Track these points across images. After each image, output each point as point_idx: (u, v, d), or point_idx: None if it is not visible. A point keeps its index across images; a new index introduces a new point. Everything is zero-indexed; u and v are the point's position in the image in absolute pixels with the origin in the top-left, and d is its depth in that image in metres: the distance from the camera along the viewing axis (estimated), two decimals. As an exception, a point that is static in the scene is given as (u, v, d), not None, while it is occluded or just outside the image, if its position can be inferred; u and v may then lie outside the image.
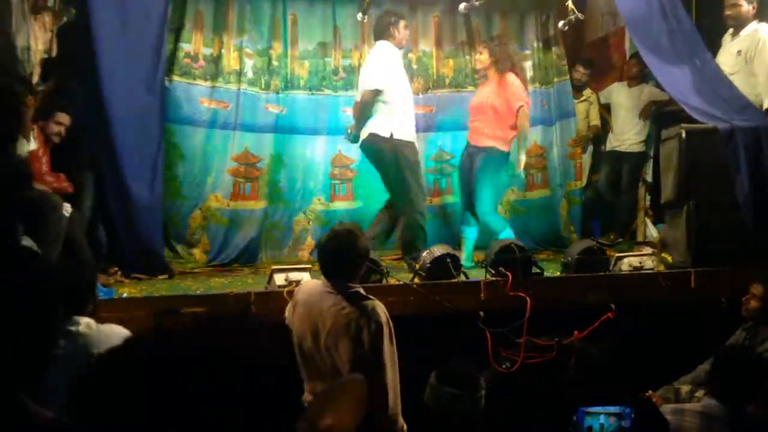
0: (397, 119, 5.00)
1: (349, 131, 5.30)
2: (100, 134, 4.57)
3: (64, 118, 4.58)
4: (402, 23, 5.13)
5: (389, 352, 3.15)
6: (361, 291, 3.25)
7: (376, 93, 4.97)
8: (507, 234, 5.22)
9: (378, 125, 5.02)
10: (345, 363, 3.13)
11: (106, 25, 4.49)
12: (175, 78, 5.57)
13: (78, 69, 4.90)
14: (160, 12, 4.75)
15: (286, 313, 3.40)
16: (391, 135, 4.96)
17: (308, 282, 3.52)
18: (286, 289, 3.81)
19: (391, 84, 5.00)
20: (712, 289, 4.48)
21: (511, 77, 5.29)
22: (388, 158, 5.03)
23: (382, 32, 5.16)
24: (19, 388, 1.33)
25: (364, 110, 5.04)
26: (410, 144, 5.08)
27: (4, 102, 3.87)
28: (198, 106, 5.66)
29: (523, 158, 5.27)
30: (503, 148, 5.29)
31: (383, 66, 5.02)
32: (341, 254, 3.27)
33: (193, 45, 5.68)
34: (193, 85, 5.66)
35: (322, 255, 3.37)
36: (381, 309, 3.18)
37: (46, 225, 4.12)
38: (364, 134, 5.12)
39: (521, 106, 5.22)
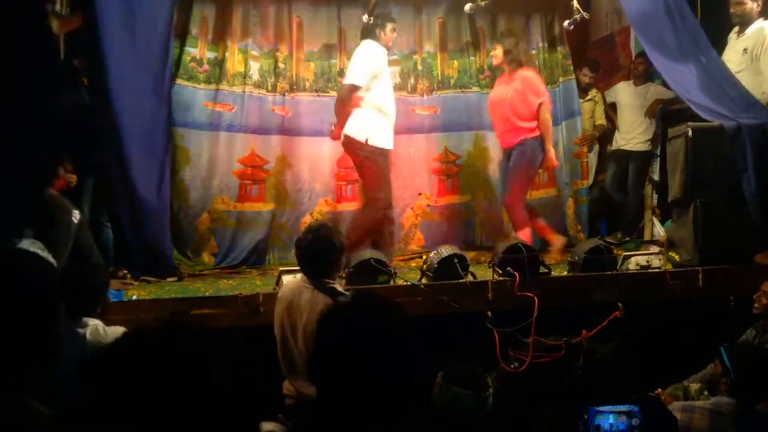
0: (374, 124, 4.92)
1: (332, 128, 5.21)
2: (107, 139, 4.59)
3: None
4: (389, 26, 5.11)
5: None
6: (337, 287, 3.33)
7: (354, 89, 4.91)
8: (525, 233, 5.22)
9: (355, 128, 4.95)
10: None
11: (113, 30, 4.51)
12: (182, 82, 5.62)
13: (84, 74, 4.95)
14: (166, 18, 4.76)
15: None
16: (367, 141, 4.89)
17: (293, 279, 3.58)
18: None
19: (372, 84, 4.93)
20: (720, 288, 4.47)
21: (527, 72, 5.30)
22: (359, 162, 5.02)
23: (368, 32, 5.17)
24: (23, 388, 1.34)
25: (341, 106, 4.99)
26: (385, 152, 4.97)
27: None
28: (204, 109, 5.69)
29: (552, 152, 5.28)
30: (536, 135, 5.28)
31: (365, 63, 4.97)
32: (316, 251, 3.33)
33: (198, 49, 5.72)
34: (200, 89, 5.70)
35: (298, 251, 3.43)
36: None
37: (56, 228, 4.16)
38: (342, 134, 5.06)
39: (541, 103, 5.22)
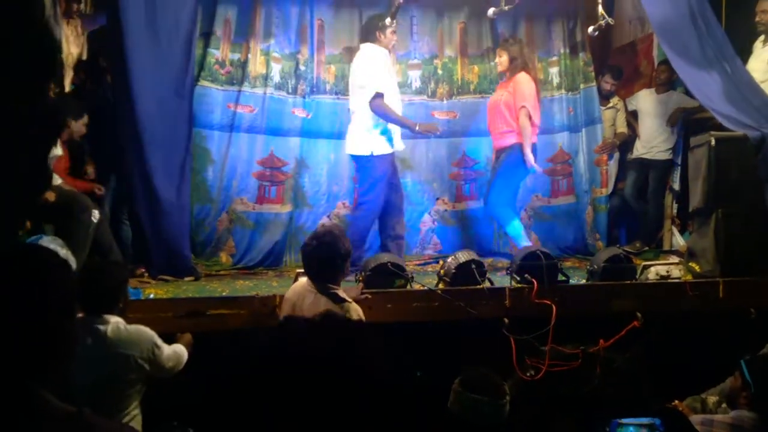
0: (375, 132, 5.06)
1: (418, 129, 5.19)
2: (128, 138, 4.62)
3: (86, 118, 4.70)
4: (389, 29, 5.14)
5: None
6: (340, 293, 3.34)
7: (381, 95, 5.01)
8: (513, 231, 5.28)
9: (357, 145, 5.14)
10: None
11: (136, 30, 4.54)
12: (206, 84, 5.66)
13: (108, 72, 4.99)
14: (189, 18, 4.79)
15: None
16: (372, 153, 5.06)
17: (299, 281, 3.59)
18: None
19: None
20: (741, 299, 4.42)
21: (522, 75, 5.30)
22: (367, 171, 5.16)
23: (368, 34, 5.19)
24: (41, 384, 1.35)
25: (389, 111, 5.05)
26: (387, 157, 5.14)
27: (48, 116, 3.91)
28: (226, 110, 5.72)
29: (530, 157, 5.23)
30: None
31: (378, 68, 5.07)
32: (321, 256, 3.34)
33: (221, 51, 5.74)
34: (222, 90, 5.73)
35: (303, 256, 3.45)
36: (355, 311, 3.29)
37: (76, 226, 4.19)
38: (347, 147, 5.28)
39: (523, 107, 5.21)
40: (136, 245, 4.96)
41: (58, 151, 4.38)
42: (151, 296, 4.19)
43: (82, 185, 4.76)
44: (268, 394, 1.33)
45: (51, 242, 3.67)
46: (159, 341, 2.99)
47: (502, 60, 5.41)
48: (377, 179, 5.11)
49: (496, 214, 5.48)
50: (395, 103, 5.19)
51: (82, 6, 5.11)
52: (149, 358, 2.93)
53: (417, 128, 5.14)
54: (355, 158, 5.28)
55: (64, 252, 3.53)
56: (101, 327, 2.86)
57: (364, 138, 5.11)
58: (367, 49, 5.15)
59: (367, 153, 5.10)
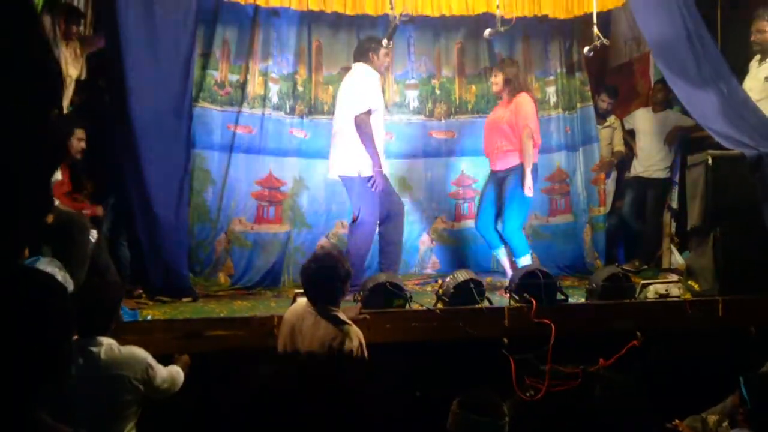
0: (359, 154, 5.01)
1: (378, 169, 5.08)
2: (126, 158, 4.63)
3: (83, 133, 4.70)
4: (382, 50, 5.16)
5: None
6: (340, 315, 3.33)
7: (370, 113, 4.98)
8: (526, 259, 5.19)
9: (343, 166, 5.11)
10: None
11: (135, 51, 4.56)
12: (206, 105, 5.69)
13: (107, 92, 5.01)
14: (188, 39, 4.82)
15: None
16: (359, 174, 5.03)
17: (299, 302, 3.58)
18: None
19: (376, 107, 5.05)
20: (740, 318, 4.40)
21: (524, 97, 5.29)
22: (356, 192, 5.13)
23: (361, 55, 5.20)
24: (36, 405, 1.35)
25: (370, 137, 4.98)
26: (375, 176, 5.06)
27: (52, 141, 3.91)
28: (226, 131, 5.74)
29: (529, 180, 5.16)
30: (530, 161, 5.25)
31: (370, 86, 5.06)
32: (321, 278, 3.34)
33: (220, 72, 5.78)
34: (221, 111, 5.76)
35: (303, 279, 3.44)
36: (355, 334, 3.28)
37: (74, 246, 4.18)
38: (332, 169, 5.23)
39: (527, 126, 5.18)
40: (134, 266, 4.95)
41: (57, 175, 4.39)
42: (149, 317, 4.17)
43: (82, 207, 4.75)
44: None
45: (48, 264, 3.66)
46: (153, 362, 2.98)
47: (497, 80, 5.41)
48: (368, 199, 5.07)
49: (514, 244, 5.28)
50: (379, 126, 5.14)
51: (81, 28, 5.14)
52: (143, 379, 2.91)
53: (376, 170, 5.01)
54: (343, 179, 5.22)
55: (61, 274, 3.52)
56: (94, 349, 2.85)
57: (351, 159, 5.06)
58: (359, 68, 5.17)
59: (354, 174, 5.06)
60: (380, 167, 5.03)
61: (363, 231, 5.12)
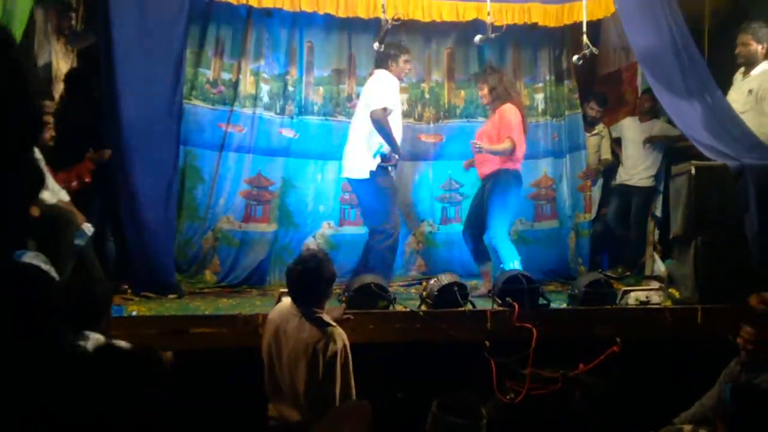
0: (374, 150, 5.08)
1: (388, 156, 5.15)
2: (115, 154, 4.63)
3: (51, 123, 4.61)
4: (402, 58, 5.21)
5: (342, 379, 3.26)
6: (324, 317, 3.36)
7: (387, 111, 5.01)
8: (513, 266, 5.22)
9: (354, 169, 5.15)
10: (301, 384, 3.24)
11: (126, 47, 4.58)
12: (198, 103, 5.70)
13: (97, 88, 5.00)
14: (180, 38, 4.83)
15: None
16: (371, 174, 5.07)
17: (283, 303, 3.61)
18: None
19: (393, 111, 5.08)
20: (719, 326, 4.45)
21: (507, 107, 5.32)
22: (365, 192, 5.17)
23: (382, 62, 5.24)
24: (23, 397, 1.37)
25: (384, 128, 5.01)
26: (385, 173, 5.15)
27: (28, 109, 3.89)
28: (217, 130, 5.76)
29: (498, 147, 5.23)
30: (512, 167, 5.30)
31: (389, 88, 5.10)
32: (306, 280, 3.37)
33: (213, 71, 5.80)
34: (213, 110, 5.78)
35: (288, 279, 3.46)
36: (339, 336, 3.31)
37: (59, 240, 4.16)
38: (345, 171, 5.26)
39: (507, 137, 5.21)
40: (120, 261, 4.95)
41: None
42: (134, 313, 4.18)
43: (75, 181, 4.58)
44: None
45: (33, 258, 3.65)
46: (139, 358, 2.99)
47: (483, 92, 5.48)
48: (384, 203, 5.08)
49: (501, 252, 5.27)
50: (397, 129, 5.16)
51: (73, 22, 5.14)
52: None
53: (397, 157, 5.16)
54: (354, 182, 5.25)
55: (46, 268, 3.51)
56: (81, 343, 2.86)
57: (365, 161, 5.09)
58: (379, 73, 5.21)
59: (366, 176, 5.08)
60: (399, 153, 5.14)
61: (386, 235, 5.05)
